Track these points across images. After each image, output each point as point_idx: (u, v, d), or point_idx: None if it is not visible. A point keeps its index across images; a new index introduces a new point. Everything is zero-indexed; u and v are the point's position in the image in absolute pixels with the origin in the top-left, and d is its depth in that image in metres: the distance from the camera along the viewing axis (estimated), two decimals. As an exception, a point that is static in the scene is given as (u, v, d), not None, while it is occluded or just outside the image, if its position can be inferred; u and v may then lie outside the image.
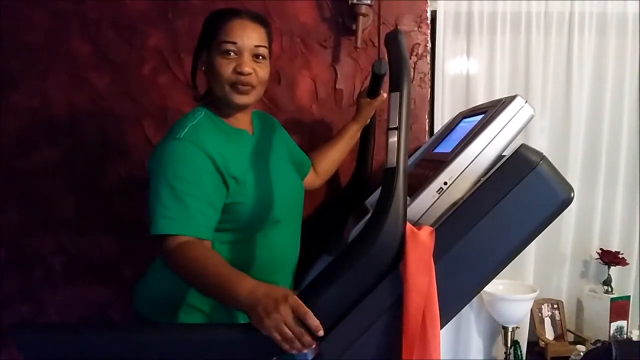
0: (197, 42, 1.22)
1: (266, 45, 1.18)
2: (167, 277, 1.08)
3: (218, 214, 1.10)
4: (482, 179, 1.02)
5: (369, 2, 1.65)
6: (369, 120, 1.59)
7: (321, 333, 0.87)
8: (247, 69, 1.13)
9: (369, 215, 1.04)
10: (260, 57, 1.17)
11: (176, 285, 1.10)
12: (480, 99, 1.87)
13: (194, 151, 1.07)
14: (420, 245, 0.92)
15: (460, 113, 1.53)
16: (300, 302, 0.87)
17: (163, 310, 1.18)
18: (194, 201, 1.05)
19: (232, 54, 1.14)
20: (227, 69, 1.13)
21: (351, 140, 1.58)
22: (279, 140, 1.35)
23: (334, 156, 1.56)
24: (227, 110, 1.20)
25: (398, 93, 0.97)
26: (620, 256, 1.90)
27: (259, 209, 1.16)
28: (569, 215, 1.94)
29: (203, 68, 1.20)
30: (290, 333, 0.86)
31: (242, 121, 1.24)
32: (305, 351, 0.88)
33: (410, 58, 1.77)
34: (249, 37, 1.14)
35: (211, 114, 1.19)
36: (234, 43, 1.13)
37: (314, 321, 0.86)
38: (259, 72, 1.16)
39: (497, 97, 1.64)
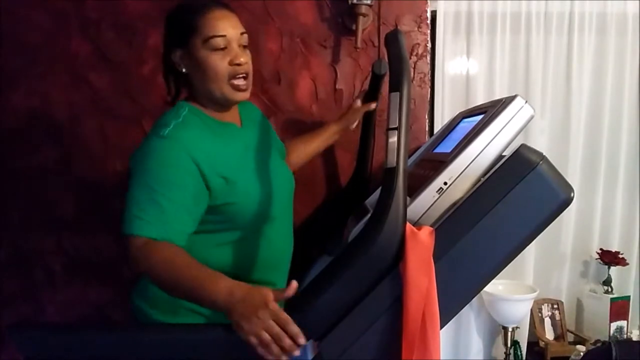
0: (167, 42, 1.14)
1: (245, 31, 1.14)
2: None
3: (195, 220, 1.05)
4: (482, 179, 1.02)
5: (369, 2, 1.64)
6: (353, 125, 1.57)
7: (302, 341, 0.86)
8: (243, 59, 1.10)
9: (369, 215, 1.04)
10: (245, 46, 1.13)
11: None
12: (480, 99, 1.86)
13: (178, 153, 1.03)
14: (420, 245, 0.92)
15: (460, 113, 1.53)
16: (279, 309, 0.86)
17: (162, 311, 1.17)
18: (171, 205, 1.00)
19: (223, 47, 1.09)
20: (222, 63, 1.09)
21: (328, 139, 1.55)
22: (265, 130, 1.31)
23: (308, 150, 1.53)
24: (215, 106, 1.15)
25: (398, 93, 0.97)
26: (620, 256, 1.90)
27: (255, 206, 1.13)
28: (569, 215, 1.94)
29: (183, 69, 1.13)
30: (267, 337, 0.85)
31: (230, 114, 1.18)
32: (284, 358, 0.86)
33: (410, 58, 1.77)
34: (233, 26, 1.10)
35: (195, 109, 1.13)
36: (224, 36, 1.08)
37: (293, 328, 0.86)
38: (248, 61, 1.13)
39: (497, 97, 1.64)
